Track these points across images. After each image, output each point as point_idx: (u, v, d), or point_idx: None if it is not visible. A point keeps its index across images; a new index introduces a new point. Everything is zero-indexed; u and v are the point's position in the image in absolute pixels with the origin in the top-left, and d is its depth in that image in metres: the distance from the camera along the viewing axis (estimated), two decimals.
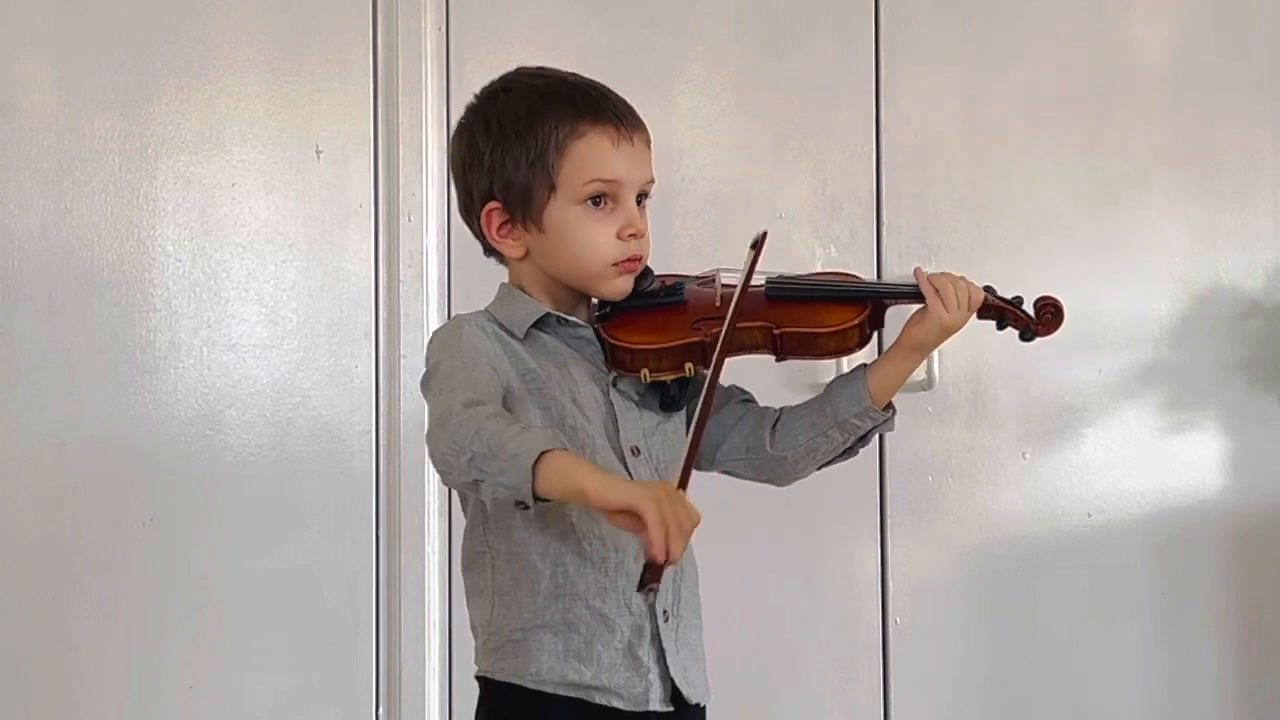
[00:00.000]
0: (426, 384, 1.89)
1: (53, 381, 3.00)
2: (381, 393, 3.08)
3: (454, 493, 2.08)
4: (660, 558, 1.66)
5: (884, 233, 3.16)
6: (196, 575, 3.03)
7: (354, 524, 3.07)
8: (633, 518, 1.67)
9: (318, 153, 3.09)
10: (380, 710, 3.08)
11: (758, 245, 1.94)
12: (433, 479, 3.07)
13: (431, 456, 1.80)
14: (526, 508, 1.75)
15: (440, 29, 3.12)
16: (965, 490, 3.16)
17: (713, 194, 3.13)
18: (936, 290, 1.96)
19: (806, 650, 3.14)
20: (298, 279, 3.09)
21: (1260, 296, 3.19)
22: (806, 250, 3.12)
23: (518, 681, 1.93)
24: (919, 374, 3.04)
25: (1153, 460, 3.18)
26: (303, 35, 3.09)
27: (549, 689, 1.92)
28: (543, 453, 1.70)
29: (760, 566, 3.11)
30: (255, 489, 3.05)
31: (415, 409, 3.04)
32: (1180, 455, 3.18)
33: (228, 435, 3.05)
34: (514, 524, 1.93)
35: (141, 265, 3.04)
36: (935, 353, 3.02)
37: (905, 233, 3.15)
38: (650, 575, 1.69)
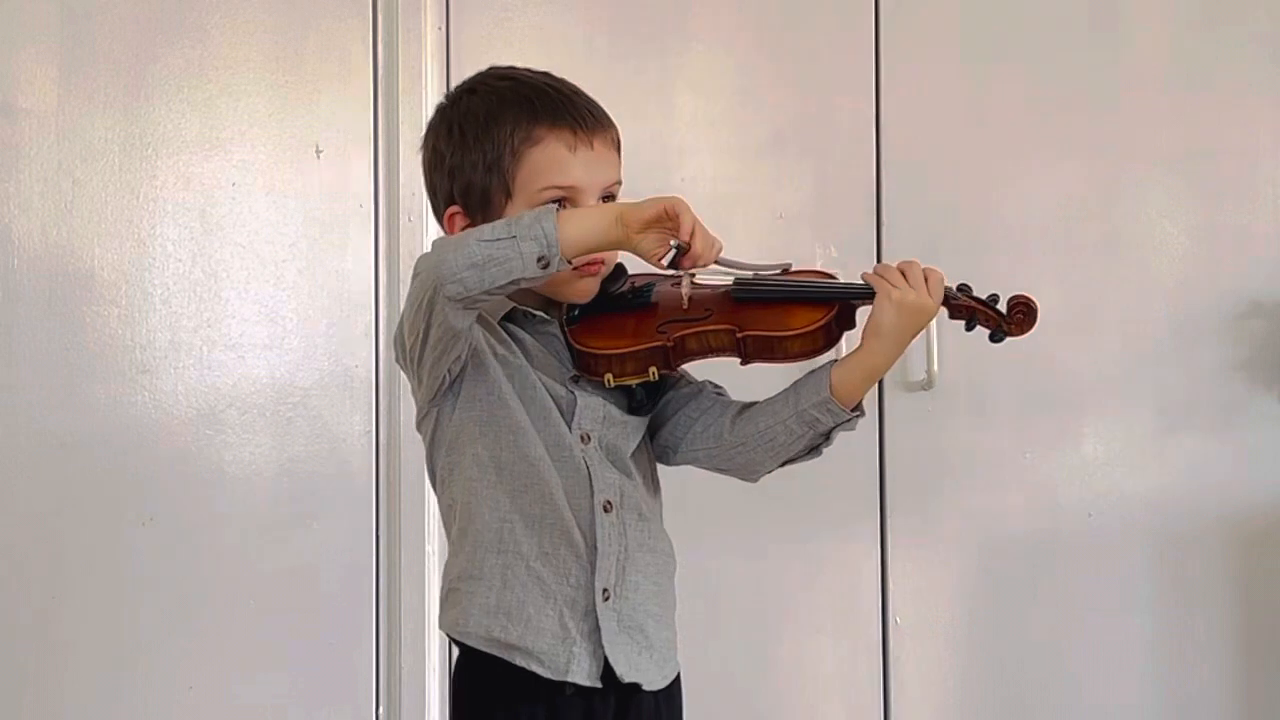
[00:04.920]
0: (398, 331, 1.93)
1: (53, 381, 3.00)
2: (381, 393, 3.08)
3: (434, 492, 2.07)
4: (686, 235, 1.80)
5: (884, 233, 3.15)
6: (196, 575, 3.03)
7: (354, 524, 3.07)
8: (661, 225, 1.80)
9: (318, 153, 3.09)
10: (380, 710, 3.08)
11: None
12: None
13: (418, 279, 1.84)
14: (546, 267, 1.79)
15: (440, 29, 3.12)
16: (965, 490, 3.16)
17: (713, 194, 3.12)
18: (880, 274, 1.94)
19: (806, 650, 3.14)
20: (298, 279, 3.09)
21: (1260, 296, 3.19)
22: (806, 250, 3.12)
23: (451, 632, 1.97)
24: (919, 374, 3.08)
25: (1153, 460, 3.18)
26: (303, 35, 3.09)
27: (473, 643, 1.94)
28: (557, 207, 1.83)
29: (760, 566, 3.11)
30: (255, 488, 3.05)
31: (415, 409, 3.04)
32: (1180, 455, 3.18)
33: (228, 435, 3.05)
34: (471, 475, 1.95)
35: (141, 265, 3.04)
36: (935, 353, 3.05)
37: (905, 233, 3.15)
38: (677, 263, 1.82)
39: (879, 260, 3.14)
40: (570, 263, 1.82)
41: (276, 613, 3.05)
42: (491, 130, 1.95)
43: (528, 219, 1.80)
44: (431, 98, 3.09)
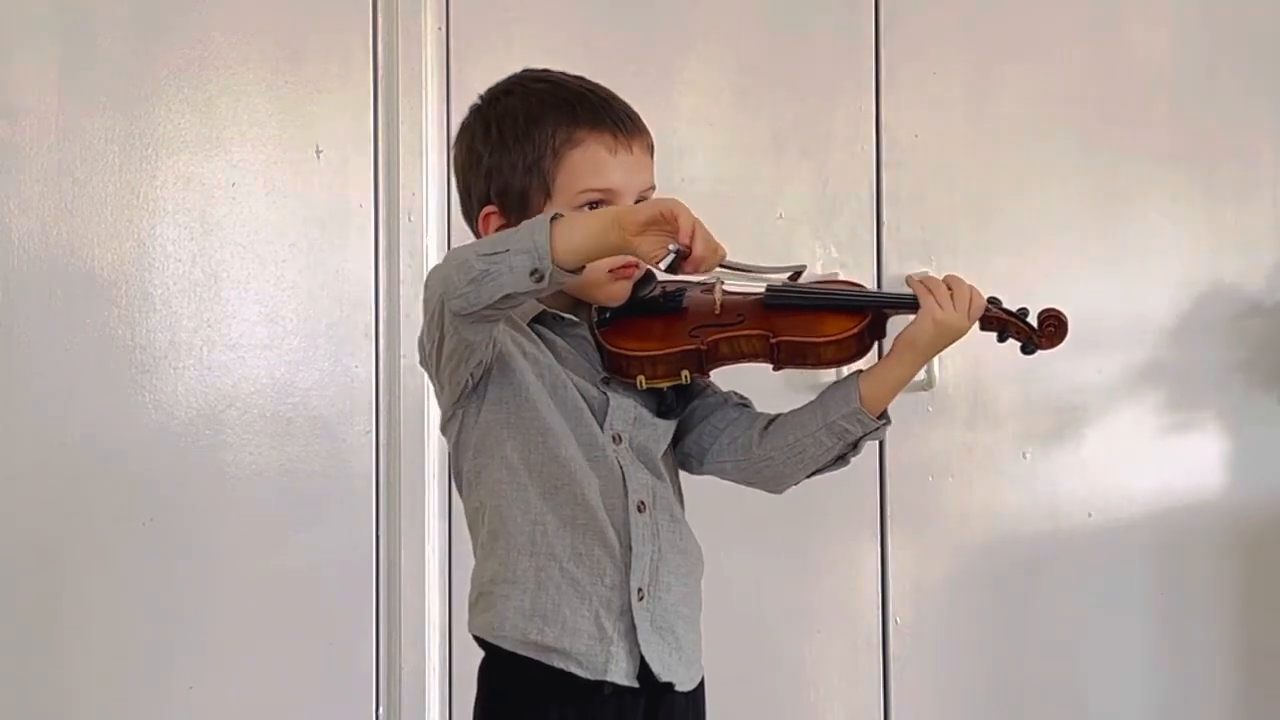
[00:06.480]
0: (422, 331, 1.92)
1: (53, 381, 3.00)
2: (381, 393, 3.08)
3: (454, 491, 2.08)
4: (686, 239, 1.75)
5: (884, 233, 3.16)
6: (196, 575, 3.03)
7: (354, 524, 3.07)
8: (660, 226, 1.76)
9: (318, 153, 3.09)
10: (380, 710, 3.08)
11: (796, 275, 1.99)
12: (433, 479, 3.07)
13: (428, 290, 1.83)
14: (540, 280, 1.76)
15: (440, 29, 3.12)
16: (965, 490, 3.16)
17: (713, 194, 3.12)
18: (928, 289, 1.95)
19: (807, 650, 3.14)
20: (298, 279, 3.09)
21: (1260, 296, 3.19)
22: (807, 250, 3.12)
23: (485, 636, 1.97)
24: (919, 374, 3.07)
25: (1153, 460, 3.18)
26: (303, 35, 3.09)
27: (508, 646, 1.94)
28: (554, 216, 1.78)
29: (761, 566, 3.11)
30: (255, 488, 3.05)
31: (415, 409, 3.04)
32: (1180, 455, 3.18)
33: (228, 435, 3.05)
34: (500, 477, 1.94)
35: (141, 265, 3.04)
36: None
37: (905, 233, 3.15)
38: (677, 267, 1.78)
39: (879, 262, 3.14)
40: (575, 273, 1.79)
41: (276, 613, 3.04)
42: (532, 131, 1.95)
43: (523, 230, 1.79)
44: (431, 98, 3.10)
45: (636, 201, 1.96)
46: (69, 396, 3.00)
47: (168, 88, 3.05)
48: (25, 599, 3.00)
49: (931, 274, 2.00)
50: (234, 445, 3.05)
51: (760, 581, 3.11)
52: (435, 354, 1.89)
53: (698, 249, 1.77)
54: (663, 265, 1.78)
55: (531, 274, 1.76)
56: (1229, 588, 3.19)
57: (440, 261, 1.86)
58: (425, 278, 1.87)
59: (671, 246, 1.77)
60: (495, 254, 1.77)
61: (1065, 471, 3.18)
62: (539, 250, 1.75)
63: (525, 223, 1.81)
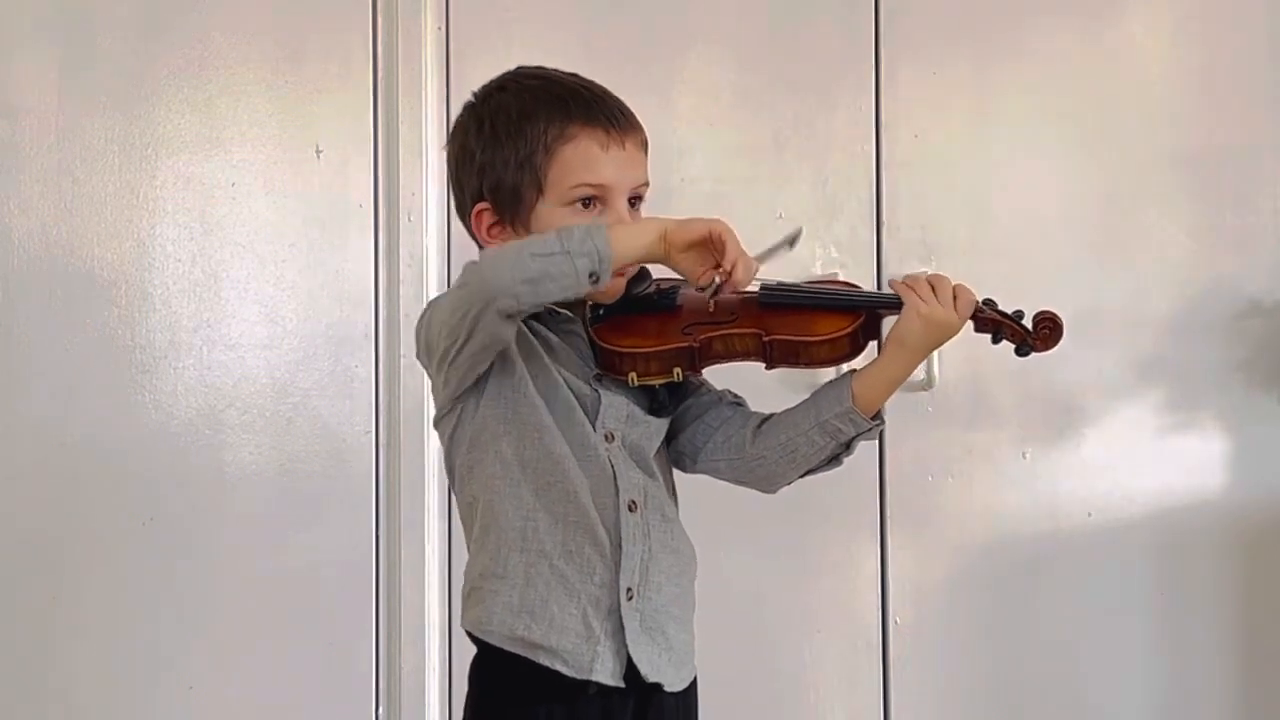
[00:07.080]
0: (426, 330, 1.93)
1: (53, 381, 3.00)
2: (381, 393, 3.08)
3: (452, 490, 2.08)
4: (730, 265, 1.82)
5: (884, 233, 3.16)
6: (196, 575, 3.03)
7: (354, 524, 3.07)
8: (704, 246, 1.83)
9: (318, 153, 3.09)
10: (380, 710, 3.08)
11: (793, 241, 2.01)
12: (432, 479, 3.07)
13: (468, 290, 1.85)
14: (596, 282, 1.81)
15: (440, 29, 3.12)
16: (965, 490, 3.16)
17: (713, 194, 3.13)
18: (909, 286, 1.96)
19: (806, 651, 3.14)
20: (298, 279, 3.09)
21: (1260, 296, 3.19)
22: (806, 250, 3.12)
23: (475, 631, 1.97)
24: (919, 374, 3.06)
25: (1153, 460, 3.18)
26: (303, 35, 3.09)
27: (495, 641, 1.94)
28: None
29: (761, 566, 3.11)
30: (255, 489, 3.05)
31: (415, 409, 3.04)
32: (1180, 455, 3.18)
33: (228, 435, 3.05)
34: (494, 472, 1.94)
35: (141, 265, 3.04)
36: (936, 353, 3.05)
37: (905, 233, 3.15)
38: (719, 288, 1.85)
39: (879, 262, 3.14)
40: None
41: (276, 613, 3.05)
42: (524, 127, 1.95)
43: (579, 234, 1.81)
44: (431, 98, 3.09)
45: (629, 198, 1.97)
46: (69, 396, 3.00)
47: (168, 88, 3.06)
48: (25, 599, 3.00)
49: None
50: (234, 445, 3.05)
51: (760, 582, 3.11)
52: (457, 351, 1.88)
53: (739, 274, 1.84)
54: (704, 287, 1.85)
55: (589, 275, 1.80)
56: (1229, 588, 3.19)
57: (477, 263, 1.89)
58: (461, 276, 1.89)
59: (718, 279, 1.84)
60: (553, 255, 1.80)
61: (1065, 471, 3.18)
62: (600, 255, 1.80)
63: (573, 226, 1.84)
